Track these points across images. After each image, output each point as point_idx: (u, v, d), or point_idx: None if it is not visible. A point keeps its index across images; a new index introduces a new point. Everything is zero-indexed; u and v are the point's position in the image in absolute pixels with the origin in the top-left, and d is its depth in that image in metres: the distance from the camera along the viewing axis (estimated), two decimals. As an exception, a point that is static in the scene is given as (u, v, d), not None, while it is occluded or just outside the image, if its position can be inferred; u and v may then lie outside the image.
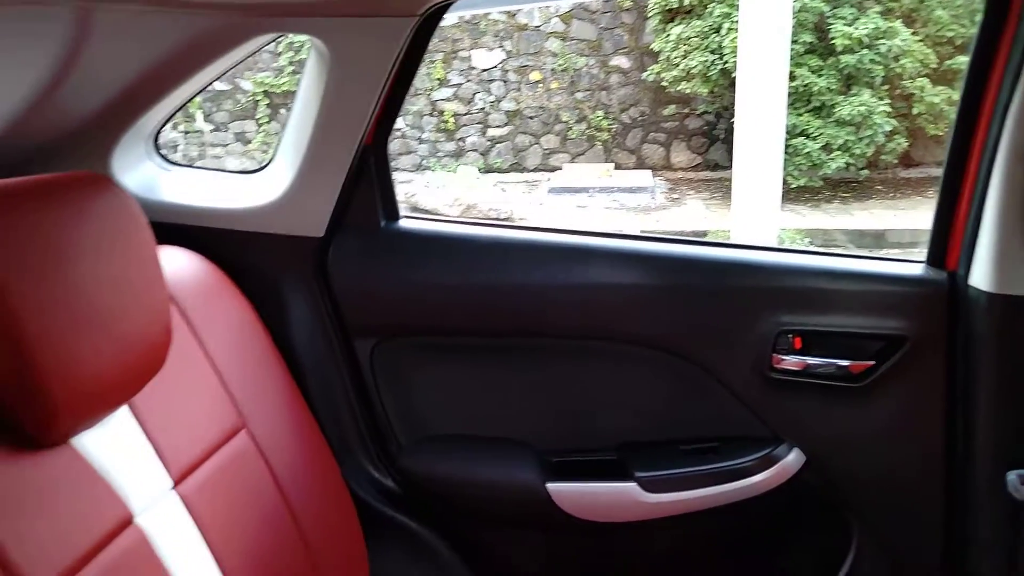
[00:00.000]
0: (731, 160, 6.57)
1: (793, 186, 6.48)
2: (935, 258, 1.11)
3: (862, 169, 6.53)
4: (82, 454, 0.74)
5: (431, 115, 7.79)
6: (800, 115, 6.40)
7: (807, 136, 6.39)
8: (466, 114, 7.82)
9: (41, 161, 1.08)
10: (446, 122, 7.80)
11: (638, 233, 1.25)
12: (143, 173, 1.17)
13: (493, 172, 7.88)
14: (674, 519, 1.17)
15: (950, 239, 1.10)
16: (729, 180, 6.69)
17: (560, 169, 7.67)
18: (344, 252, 1.17)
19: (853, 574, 1.18)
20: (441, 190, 6.61)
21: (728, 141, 7.00)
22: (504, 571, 1.25)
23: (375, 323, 1.20)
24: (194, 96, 1.15)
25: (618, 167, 7.65)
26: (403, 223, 1.20)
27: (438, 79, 7.62)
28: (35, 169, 1.05)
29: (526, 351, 1.21)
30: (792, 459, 1.15)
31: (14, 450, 0.68)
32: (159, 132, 1.18)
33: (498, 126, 7.88)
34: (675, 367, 1.18)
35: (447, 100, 7.78)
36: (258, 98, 7.70)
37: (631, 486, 1.16)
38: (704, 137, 7.73)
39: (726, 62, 6.36)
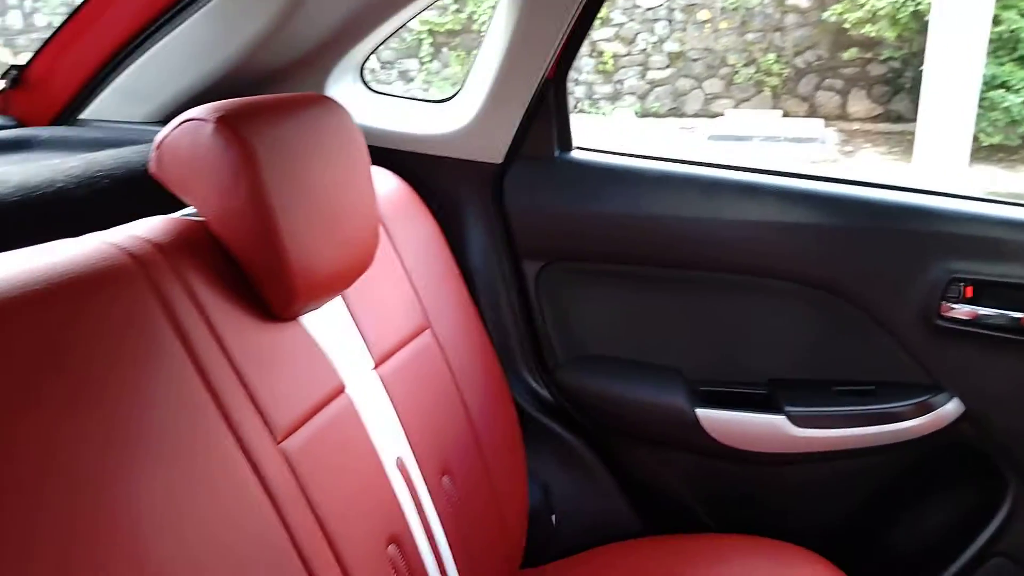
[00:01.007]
0: (916, 112, 6.09)
1: (985, 144, 5.93)
2: None
3: (1071, 128, 5.88)
4: (308, 331, 0.89)
5: (590, 56, 7.71)
6: (1002, 64, 5.80)
7: (1007, 88, 5.79)
8: (626, 55, 7.69)
9: (268, 84, 1.24)
10: (604, 63, 7.70)
11: (810, 173, 1.25)
12: (351, 98, 1.31)
13: (650, 117, 7.75)
14: (820, 455, 1.20)
15: None
16: (912, 134, 6.21)
17: (722, 115, 7.42)
18: (519, 179, 1.27)
19: (1003, 531, 1.17)
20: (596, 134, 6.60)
21: (915, 91, 6.47)
22: (647, 485, 1.34)
23: (543, 247, 1.30)
24: (398, 29, 1.27)
25: (786, 115, 7.29)
26: (576, 154, 1.28)
27: (600, 18, 7.53)
28: (265, 90, 1.22)
29: (686, 283, 1.27)
30: (950, 408, 1.15)
31: (261, 320, 0.83)
32: (365, 62, 1.32)
33: (659, 68, 7.69)
34: (836, 308, 1.19)
35: (608, 40, 7.67)
36: (422, 37, 7.93)
37: (780, 419, 1.20)
38: (887, 85, 7.17)
39: (918, 3, 5.84)
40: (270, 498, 0.75)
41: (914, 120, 6.09)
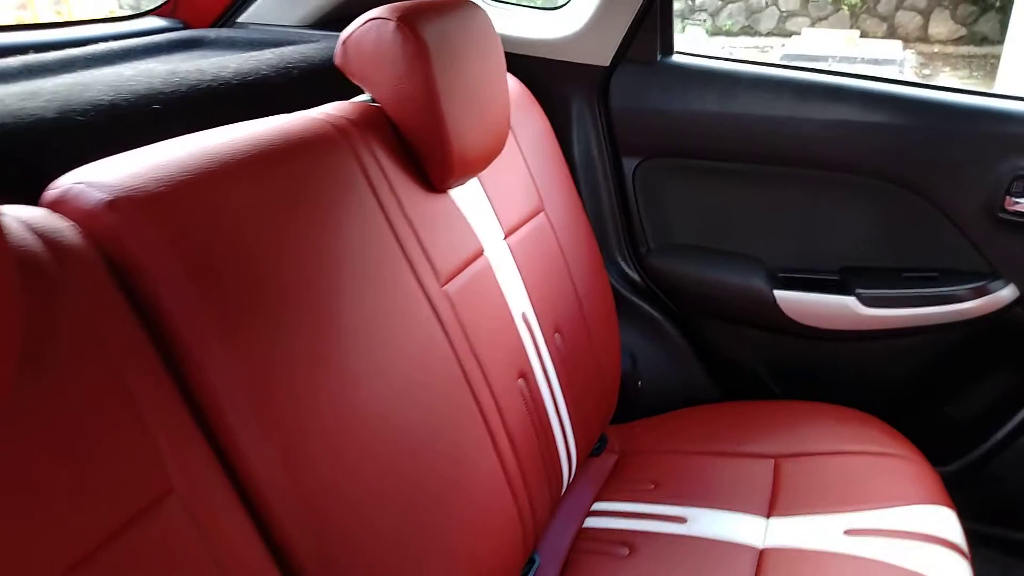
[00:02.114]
0: (1003, 34, 5.87)
1: (1075, 65, 5.69)
2: None
3: None
4: (456, 203, 1.08)
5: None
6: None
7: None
8: (699, -33, 7.51)
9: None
10: (677, -22, 7.54)
11: (889, 76, 1.36)
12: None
13: (721, 35, 7.60)
14: (884, 332, 1.35)
15: None
16: (996, 57, 6.00)
17: (797, 34, 7.24)
18: (624, 80, 1.41)
19: (1049, 403, 1.32)
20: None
21: (1004, 11, 6.20)
22: (724, 358, 1.52)
23: (642, 143, 1.45)
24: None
25: (864, 35, 7.08)
26: (676, 58, 1.41)
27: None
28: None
29: (769, 178, 1.41)
30: (1006, 294, 1.28)
31: (424, 189, 1.02)
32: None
33: (732, -18, 7.50)
34: (907, 202, 1.32)
35: (679, -47, 7.48)
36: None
37: (851, 299, 1.35)
38: (974, 5, 6.87)
39: (1016, -86, 5.57)
40: (443, 328, 0.95)
41: (1000, 42, 5.87)
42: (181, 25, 1.43)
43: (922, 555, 1.02)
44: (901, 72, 6.44)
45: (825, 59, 6.60)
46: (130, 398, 0.61)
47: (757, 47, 7.30)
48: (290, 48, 1.17)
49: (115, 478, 0.58)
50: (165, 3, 1.42)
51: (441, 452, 0.90)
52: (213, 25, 1.44)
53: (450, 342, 0.96)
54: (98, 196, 0.66)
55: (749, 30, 7.54)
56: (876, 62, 6.54)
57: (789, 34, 7.26)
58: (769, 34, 7.43)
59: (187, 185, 0.71)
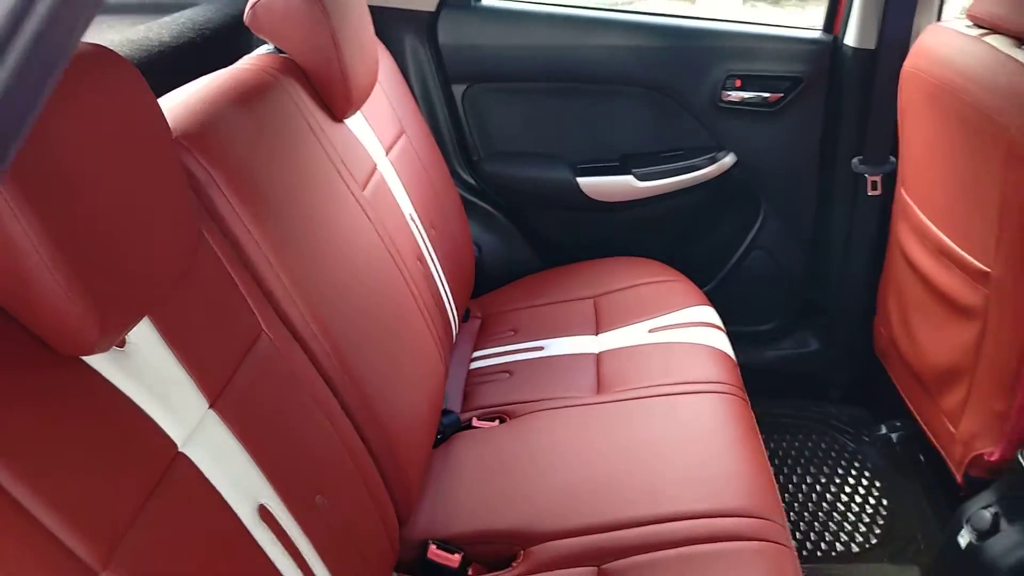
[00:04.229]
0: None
1: (753, -20, 6.82)
2: (827, 26, 1.76)
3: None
4: (351, 128, 1.38)
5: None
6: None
7: (770, -71, 6.64)
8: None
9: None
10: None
11: (639, 10, 1.86)
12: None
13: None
14: (654, 198, 1.88)
15: (838, 12, 1.74)
16: (694, -27, 6.97)
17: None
18: (447, 22, 1.76)
19: (759, 233, 1.93)
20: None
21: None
22: (545, 237, 1.97)
23: (467, 72, 1.82)
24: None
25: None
26: (487, 2, 1.78)
27: None
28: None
29: (566, 93, 1.85)
30: (728, 160, 1.85)
31: (331, 119, 1.31)
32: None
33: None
34: (660, 102, 1.84)
35: None
36: None
37: (630, 177, 1.85)
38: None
39: None
40: (371, 223, 1.28)
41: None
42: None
43: (698, 333, 1.56)
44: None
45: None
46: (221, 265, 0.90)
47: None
48: (173, 18, 1.37)
49: (236, 315, 0.88)
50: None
51: (387, 302, 1.26)
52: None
53: (377, 232, 1.29)
54: None
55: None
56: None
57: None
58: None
59: (215, 123, 0.98)
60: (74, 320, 0.61)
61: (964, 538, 1.30)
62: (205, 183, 0.93)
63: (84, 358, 0.68)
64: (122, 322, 0.67)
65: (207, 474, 0.76)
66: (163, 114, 0.74)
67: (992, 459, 1.34)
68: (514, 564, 1.13)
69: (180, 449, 0.74)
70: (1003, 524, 1.26)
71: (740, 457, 1.22)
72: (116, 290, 0.65)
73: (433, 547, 1.16)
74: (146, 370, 0.74)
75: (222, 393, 0.82)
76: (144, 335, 0.75)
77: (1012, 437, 1.31)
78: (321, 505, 0.90)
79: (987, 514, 1.28)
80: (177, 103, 1.00)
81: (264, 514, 0.81)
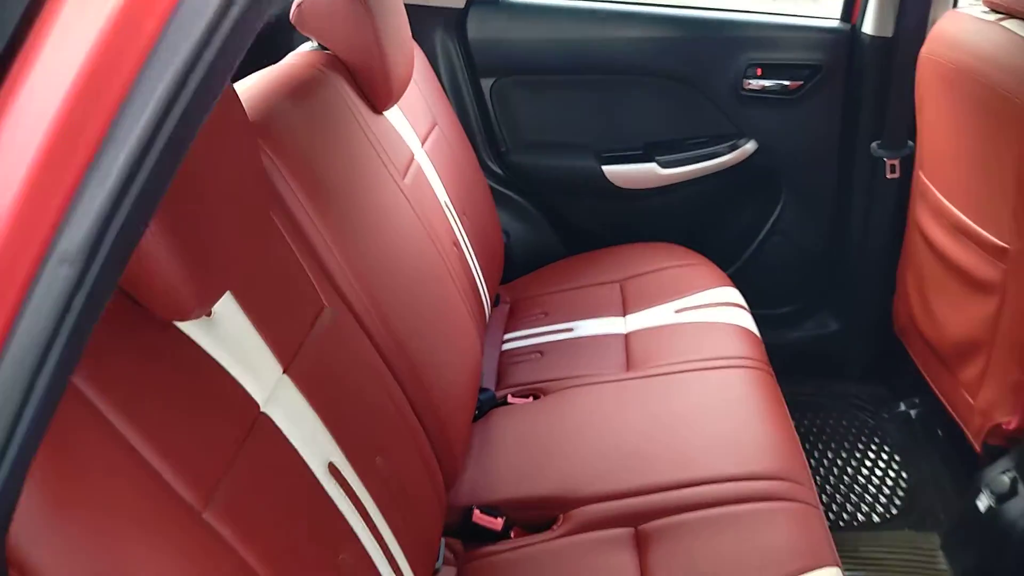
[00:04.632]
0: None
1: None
2: (845, 15, 1.81)
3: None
4: (390, 120, 1.45)
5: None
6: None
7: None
8: None
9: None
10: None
11: (662, 2, 1.93)
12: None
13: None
14: (677, 185, 1.94)
15: (855, 2, 1.79)
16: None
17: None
18: (476, 17, 1.83)
19: (780, 219, 1.99)
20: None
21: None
22: (572, 224, 2.04)
23: (495, 66, 1.88)
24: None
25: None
26: (514, -1, 1.86)
27: None
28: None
29: (590, 84, 1.91)
30: (749, 147, 1.91)
31: (373, 112, 1.38)
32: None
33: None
34: (682, 92, 1.89)
35: None
36: None
37: (653, 165, 1.92)
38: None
39: None
40: (413, 210, 1.35)
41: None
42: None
43: (724, 312, 1.62)
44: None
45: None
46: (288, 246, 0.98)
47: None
48: None
49: (301, 290, 0.96)
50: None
51: (429, 282, 1.33)
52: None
53: (418, 218, 1.36)
54: None
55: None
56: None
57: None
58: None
59: (275, 114, 1.05)
60: (177, 289, 0.68)
61: (983, 502, 1.35)
62: (270, 170, 1.00)
63: (178, 324, 0.75)
64: (213, 293, 0.74)
65: (285, 432, 0.83)
66: (243, 107, 0.81)
67: (1010, 428, 1.39)
68: (554, 527, 1.20)
69: (262, 409, 0.82)
70: (1021, 488, 1.32)
71: (767, 425, 1.28)
72: (209, 265, 0.72)
73: (477, 512, 1.23)
74: (229, 338, 0.81)
75: (294, 360, 0.89)
76: (227, 306, 0.82)
77: (1030, 407, 1.37)
78: (380, 466, 0.98)
79: (1006, 478, 1.33)
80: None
81: (333, 471, 0.89)
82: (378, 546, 0.93)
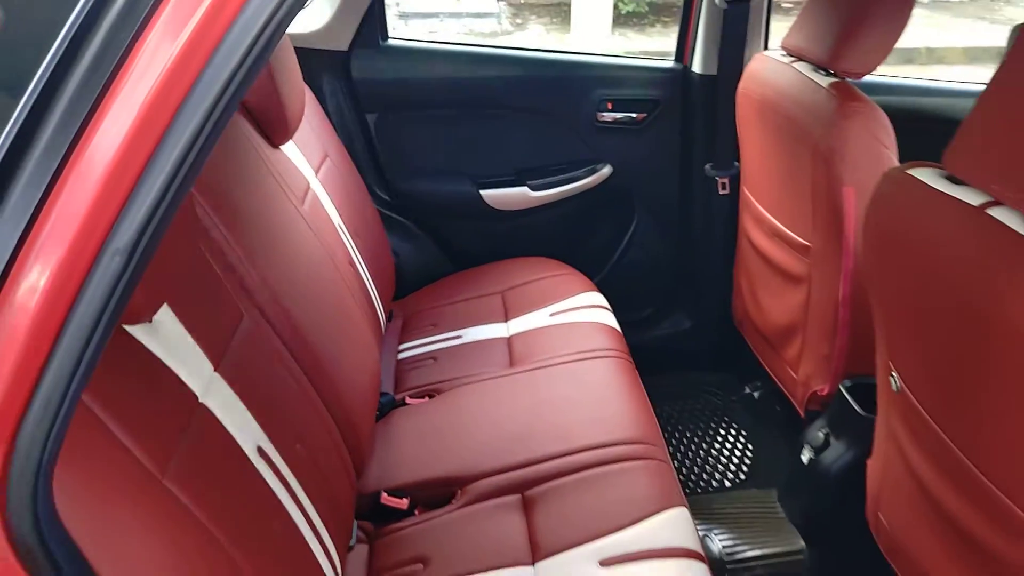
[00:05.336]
0: (570, -14, 7.31)
1: (624, 11, 7.41)
2: (678, 56, 2.13)
3: (678, -5, 7.54)
4: (285, 153, 1.61)
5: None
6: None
7: (634, -37, 7.24)
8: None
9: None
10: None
11: (527, 46, 2.19)
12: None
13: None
14: (546, 205, 2.19)
15: (686, 45, 2.11)
16: (568, 5, 7.48)
17: (413, -6, 8.08)
18: (359, 59, 2.02)
19: (636, 229, 2.28)
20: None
21: (566, -32, 7.69)
22: (454, 244, 2.24)
23: (377, 103, 2.07)
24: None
25: (466, -9, 8.17)
26: (392, 42, 2.05)
27: None
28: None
29: (466, 118, 2.13)
30: (606, 171, 2.19)
31: (270, 146, 1.54)
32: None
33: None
34: (546, 125, 2.15)
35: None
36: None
37: (525, 188, 2.16)
38: (545, -37, 8.35)
39: None
40: (311, 231, 1.50)
41: (570, -7, 7.39)
42: None
43: (591, 313, 1.86)
44: (499, 21, 7.71)
45: (437, 15, 7.60)
46: (209, 263, 1.12)
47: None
48: None
49: (223, 301, 1.10)
50: None
51: (330, 297, 1.49)
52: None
53: (317, 240, 1.52)
54: None
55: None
56: (479, 15, 7.71)
57: (404, -7, 8.13)
58: (388, -8, 8.21)
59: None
60: (136, 299, 0.83)
61: (805, 455, 1.65)
62: (195, 203, 1.14)
63: (127, 328, 0.89)
64: (156, 303, 0.89)
65: (220, 419, 0.97)
66: None
67: (823, 393, 1.70)
68: (453, 501, 1.38)
69: (200, 400, 0.96)
70: (832, 440, 1.62)
71: (627, 402, 1.52)
72: (151, 280, 0.87)
73: (384, 495, 1.39)
74: (167, 340, 0.95)
75: (222, 360, 1.03)
76: (166, 315, 0.96)
77: (836, 374, 1.67)
78: (300, 451, 1.13)
79: (821, 434, 1.63)
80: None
81: (262, 454, 1.03)
82: (304, 518, 1.08)
